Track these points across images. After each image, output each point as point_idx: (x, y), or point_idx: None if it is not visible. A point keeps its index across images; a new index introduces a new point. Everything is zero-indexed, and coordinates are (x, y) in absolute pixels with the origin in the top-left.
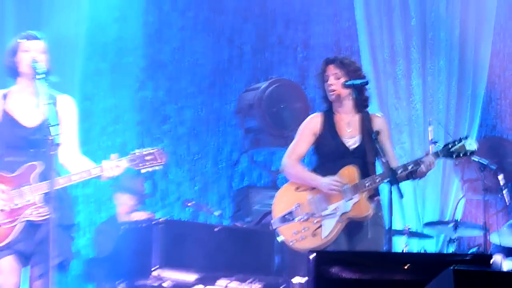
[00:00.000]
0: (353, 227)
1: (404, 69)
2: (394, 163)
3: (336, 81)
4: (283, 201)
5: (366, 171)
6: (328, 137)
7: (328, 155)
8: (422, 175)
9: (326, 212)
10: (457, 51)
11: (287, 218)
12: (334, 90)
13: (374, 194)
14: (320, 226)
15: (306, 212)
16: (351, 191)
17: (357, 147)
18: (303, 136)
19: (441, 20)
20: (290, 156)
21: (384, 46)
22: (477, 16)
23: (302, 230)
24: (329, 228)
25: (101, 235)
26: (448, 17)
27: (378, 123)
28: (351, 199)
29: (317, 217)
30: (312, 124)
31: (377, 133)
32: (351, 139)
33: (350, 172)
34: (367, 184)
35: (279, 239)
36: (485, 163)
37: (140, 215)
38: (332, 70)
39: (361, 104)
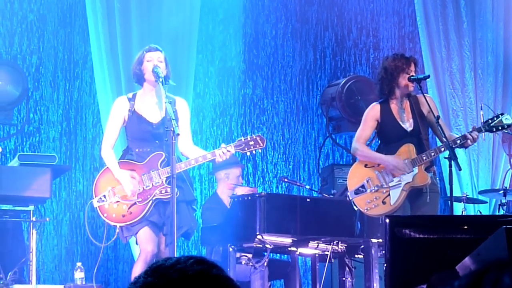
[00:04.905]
0: (414, 195)
1: (459, 64)
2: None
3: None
4: (355, 176)
5: (421, 146)
6: (388, 123)
7: (389, 137)
8: (468, 146)
9: (392, 183)
10: (501, 48)
11: (360, 190)
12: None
13: (430, 165)
14: (389, 195)
15: (375, 184)
16: (411, 164)
17: (413, 129)
18: (367, 122)
19: (488, 23)
20: (358, 140)
21: (441, 46)
22: None
23: (374, 199)
24: (396, 196)
25: (207, 212)
26: (493, 20)
27: (423, 101)
28: (412, 171)
29: (385, 188)
30: (373, 112)
31: (438, 117)
32: (407, 122)
33: (408, 149)
34: (424, 158)
35: (355, 208)
36: None
37: (246, 190)
38: (414, 67)
39: (421, 93)
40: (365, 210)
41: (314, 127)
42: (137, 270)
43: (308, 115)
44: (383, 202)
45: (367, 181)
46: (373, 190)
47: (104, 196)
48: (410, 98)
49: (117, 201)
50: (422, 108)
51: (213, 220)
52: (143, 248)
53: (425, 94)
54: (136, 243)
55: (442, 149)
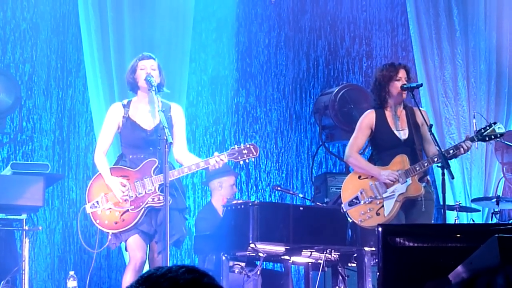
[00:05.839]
0: (409, 204)
1: (452, 73)
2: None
3: (405, 82)
4: (349, 188)
5: (415, 157)
6: (383, 131)
7: (383, 146)
8: (460, 155)
9: (386, 194)
10: (494, 56)
11: (354, 202)
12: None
13: (423, 175)
14: (382, 206)
15: (369, 196)
16: (404, 175)
17: (407, 138)
18: (361, 130)
19: (481, 32)
20: (352, 148)
21: (434, 55)
22: (510, 28)
23: (368, 210)
24: (390, 207)
25: (201, 222)
26: (486, 29)
27: (419, 114)
28: (405, 182)
29: (379, 199)
30: (368, 119)
31: (431, 126)
32: (402, 131)
33: (402, 160)
34: (417, 168)
35: (349, 219)
36: None
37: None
38: (404, 73)
39: (414, 102)
40: (359, 222)
41: (307, 135)
42: (127, 277)
43: (301, 124)
44: (377, 214)
45: (361, 193)
46: (367, 202)
47: (97, 202)
48: (407, 108)
49: (110, 208)
50: (417, 119)
51: (207, 230)
52: (133, 256)
53: (420, 108)
54: (126, 250)
55: (435, 159)
